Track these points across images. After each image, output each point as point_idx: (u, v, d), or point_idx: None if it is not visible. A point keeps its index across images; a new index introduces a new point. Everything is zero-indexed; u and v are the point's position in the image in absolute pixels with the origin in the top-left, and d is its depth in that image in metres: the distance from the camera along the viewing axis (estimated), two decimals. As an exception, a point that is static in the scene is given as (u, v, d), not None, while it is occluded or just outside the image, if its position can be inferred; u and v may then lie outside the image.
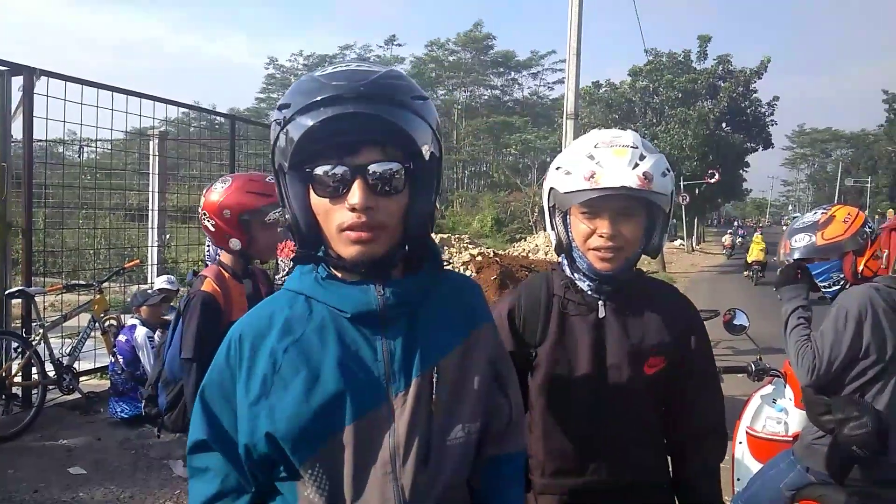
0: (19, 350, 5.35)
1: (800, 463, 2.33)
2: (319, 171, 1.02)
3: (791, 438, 2.77)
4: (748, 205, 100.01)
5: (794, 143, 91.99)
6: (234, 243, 2.39)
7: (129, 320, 5.82)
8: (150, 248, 8.51)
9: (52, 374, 5.47)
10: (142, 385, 4.69)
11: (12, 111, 5.36)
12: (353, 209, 1.01)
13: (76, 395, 5.66)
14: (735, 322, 3.17)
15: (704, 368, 1.65)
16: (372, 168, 1.01)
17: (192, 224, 9.05)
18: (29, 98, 5.34)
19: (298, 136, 1.00)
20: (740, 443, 3.05)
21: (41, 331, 5.48)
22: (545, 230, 1.75)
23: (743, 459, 3.01)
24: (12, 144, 5.52)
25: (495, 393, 1.22)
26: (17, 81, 5.35)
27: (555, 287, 1.62)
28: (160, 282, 6.16)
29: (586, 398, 1.54)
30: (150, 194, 8.35)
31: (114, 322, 6.26)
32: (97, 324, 6.02)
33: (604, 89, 30.20)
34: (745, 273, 19.08)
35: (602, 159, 1.47)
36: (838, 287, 2.31)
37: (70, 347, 5.83)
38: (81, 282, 6.54)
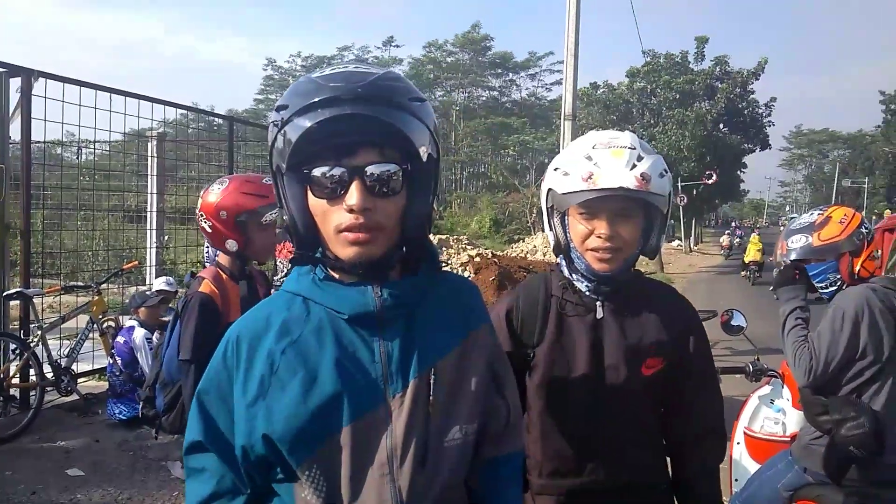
0: (17, 352, 5.35)
1: (797, 463, 2.33)
2: (317, 172, 1.02)
3: (789, 439, 2.77)
4: (746, 205, 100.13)
5: (792, 143, 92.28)
6: (231, 244, 2.39)
7: (128, 322, 5.81)
8: (148, 250, 8.51)
9: (50, 375, 5.46)
10: (140, 386, 4.68)
11: (10, 112, 5.35)
12: (350, 210, 1.01)
13: (74, 397, 5.65)
14: (732, 323, 3.17)
15: (703, 369, 1.65)
16: (370, 169, 1.01)
17: (190, 225, 9.04)
18: (27, 99, 5.34)
19: (296, 138, 1.00)
20: (738, 443, 3.05)
21: (39, 332, 5.47)
22: (543, 231, 1.75)
23: (741, 460, 3.02)
24: (10, 146, 5.51)
25: (493, 394, 1.22)
26: (16, 83, 5.35)
27: (553, 288, 1.62)
28: (159, 283, 6.15)
29: (584, 399, 1.54)
30: (149, 196, 8.35)
31: (112, 323, 6.24)
32: (95, 325, 6.01)
33: (601, 90, 30.27)
34: (743, 273, 19.23)
35: (600, 160, 1.47)
36: (835, 288, 2.31)
37: (68, 349, 5.82)
38: (80, 283, 6.53)
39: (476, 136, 52.84)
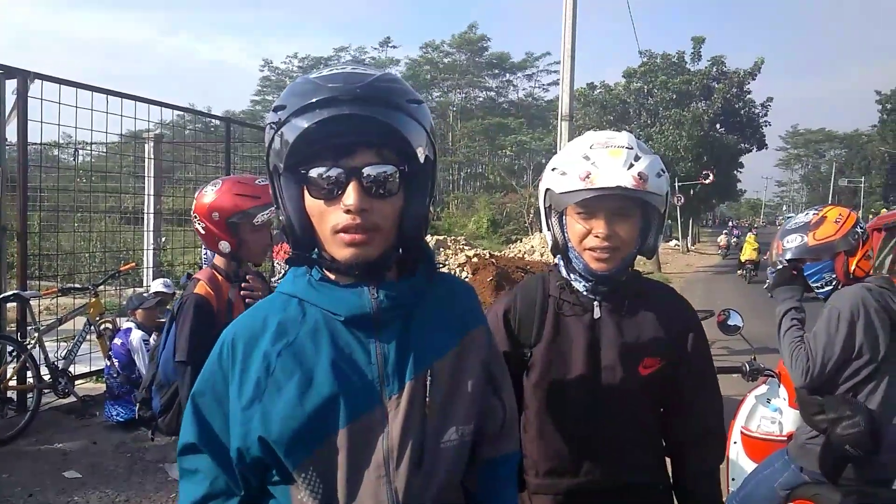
0: (14, 354, 5.34)
1: (794, 462, 2.34)
2: (314, 172, 1.02)
3: (785, 438, 2.78)
4: (743, 205, 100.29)
5: (788, 143, 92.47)
6: (224, 246, 2.38)
7: (125, 323, 5.81)
8: (145, 252, 8.49)
9: (47, 377, 5.45)
10: (137, 388, 4.67)
11: (6, 114, 5.34)
12: (347, 211, 1.01)
13: (71, 399, 5.64)
14: (729, 322, 3.18)
15: (702, 369, 1.65)
16: (367, 170, 1.01)
17: (187, 227, 9.01)
18: (23, 101, 5.33)
19: (294, 138, 1.00)
20: (735, 443, 3.06)
21: (36, 334, 5.45)
22: (541, 231, 1.75)
23: (737, 459, 3.02)
24: (7, 148, 5.49)
25: (489, 395, 1.22)
26: (11, 85, 5.34)
27: (550, 288, 1.62)
28: (156, 285, 6.14)
29: (581, 398, 1.54)
30: (146, 197, 8.35)
31: (109, 325, 6.24)
32: (92, 327, 6.01)
33: (598, 91, 30.33)
34: (739, 272, 19.36)
35: (597, 160, 1.48)
36: (831, 287, 2.32)
37: (65, 351, 5.81)
38: (77, 285, 6.53)
39: (473, 137, 52.83)
